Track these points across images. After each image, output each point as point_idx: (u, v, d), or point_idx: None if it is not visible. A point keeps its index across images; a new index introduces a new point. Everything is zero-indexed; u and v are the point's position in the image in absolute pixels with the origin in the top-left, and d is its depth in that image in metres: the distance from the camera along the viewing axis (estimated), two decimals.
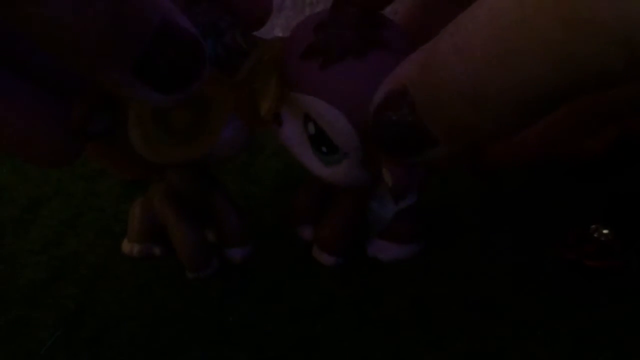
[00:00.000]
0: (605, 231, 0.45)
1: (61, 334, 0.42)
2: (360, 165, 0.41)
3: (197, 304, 0.44)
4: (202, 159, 0.42)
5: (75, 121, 0.39)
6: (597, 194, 0.50)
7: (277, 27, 0.62)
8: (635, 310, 0.42)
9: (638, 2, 0.27)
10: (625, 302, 0.43)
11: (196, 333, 0.42)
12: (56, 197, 0.51)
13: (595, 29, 0.27)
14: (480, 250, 0.47)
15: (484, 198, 0.50)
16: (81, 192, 0.52)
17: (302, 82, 0.40)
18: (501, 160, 0.44)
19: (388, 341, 0.41)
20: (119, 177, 0.52)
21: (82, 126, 0.40)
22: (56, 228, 0.49)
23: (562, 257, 0.44)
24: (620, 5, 0.27)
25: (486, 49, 0.30)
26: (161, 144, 0.40)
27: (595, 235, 0.45)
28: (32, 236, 0.48)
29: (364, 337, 0.42)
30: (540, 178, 0.52)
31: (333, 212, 0.45)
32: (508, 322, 0.42)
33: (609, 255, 0.44)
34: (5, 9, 0.29)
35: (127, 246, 0.47)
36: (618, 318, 0.42)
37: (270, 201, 0.51)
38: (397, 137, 0.35)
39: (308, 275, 0.45)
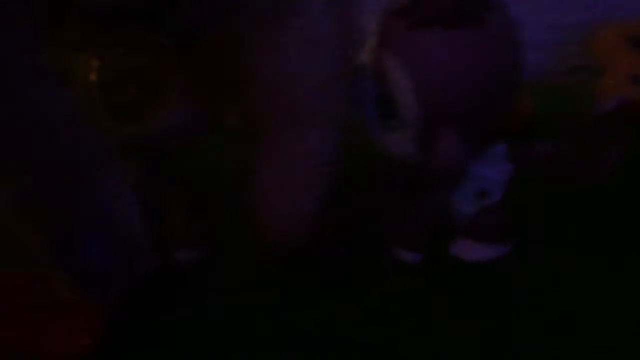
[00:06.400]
0: None
1: None
2: (413, 140, 0.41)
3: (200, 305, 0.44)
4: (152, 142, 0.41)
5: None
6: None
7: None
8: (637, 311, 0.43)
9: None
10: (629, 303, 0.43)
11: (198, 333, 0.42)
12: None
13: None
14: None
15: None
16: None
17: (385, 40, 0.41)
18: None
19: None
20: None
21: None
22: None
23: None
24: None
25: None
26: (109, 122, 0.39)
27: None
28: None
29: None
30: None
31: (413, 209, 0.44)
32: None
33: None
34: None
35: None
36: (622, 319, 0.42)
37: None
38: None
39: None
